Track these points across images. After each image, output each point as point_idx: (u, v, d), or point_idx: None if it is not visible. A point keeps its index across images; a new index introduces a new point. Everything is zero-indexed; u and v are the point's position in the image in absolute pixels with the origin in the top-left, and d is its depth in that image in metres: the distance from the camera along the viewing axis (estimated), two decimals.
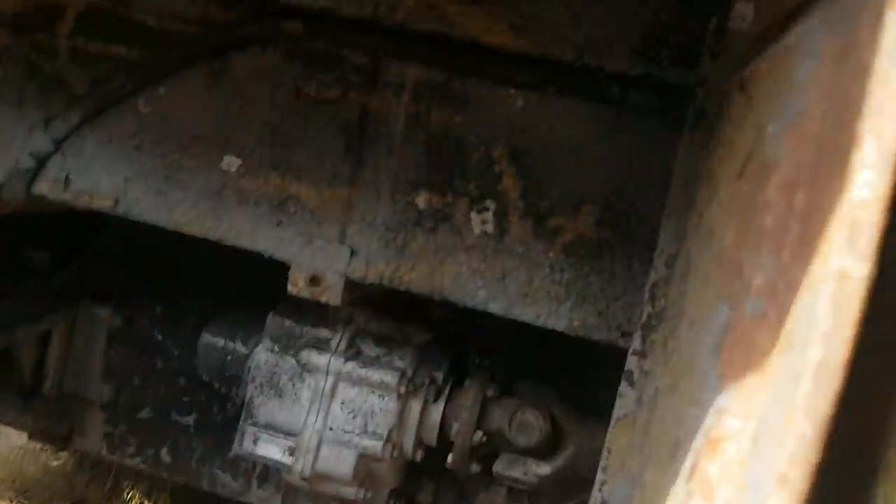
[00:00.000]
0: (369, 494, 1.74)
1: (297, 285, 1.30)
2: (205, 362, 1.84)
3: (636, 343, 1.03)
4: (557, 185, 1.18)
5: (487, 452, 1.77)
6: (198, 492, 3.90)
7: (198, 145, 1.28)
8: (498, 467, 1.74)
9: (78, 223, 2.22)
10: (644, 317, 1.02)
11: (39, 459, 4.38)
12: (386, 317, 1.72)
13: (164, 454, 2.18)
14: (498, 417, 1.72)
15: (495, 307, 1.24)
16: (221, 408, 2.12)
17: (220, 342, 1.82)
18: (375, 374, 1.65)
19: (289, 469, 1.66)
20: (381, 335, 1.70)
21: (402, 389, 1.64)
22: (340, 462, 1.65)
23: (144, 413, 2.16)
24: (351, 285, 1.30)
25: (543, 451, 1.73)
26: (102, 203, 1.32)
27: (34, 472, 4.26)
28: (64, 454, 4.07)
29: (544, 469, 1.71)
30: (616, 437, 1.03)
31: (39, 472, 4.26)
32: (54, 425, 2.14)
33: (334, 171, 1.26)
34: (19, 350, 1.96)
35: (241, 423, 1.70)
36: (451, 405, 1.73)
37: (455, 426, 1.71)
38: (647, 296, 1.02)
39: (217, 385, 2.08)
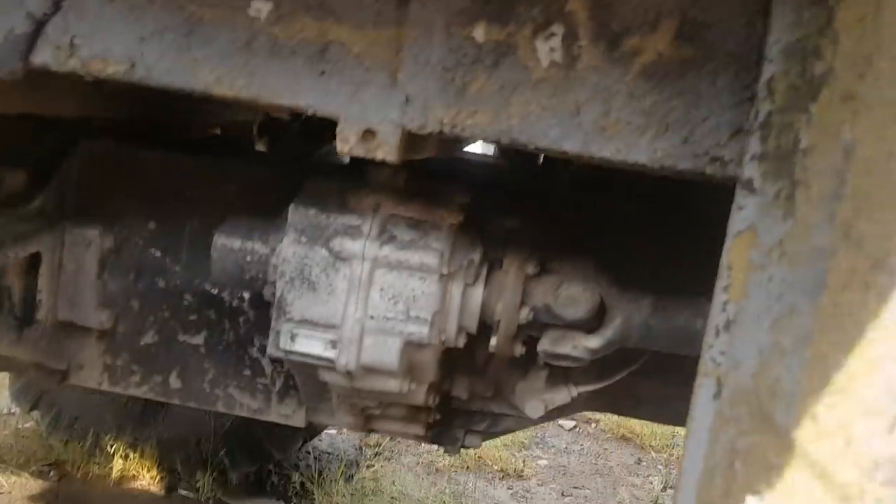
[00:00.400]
0: (413, 387, 1.65)
1: (347, 143, 1.18)
2: (221, 267, 1.70)
3: (754, 147, 0.95)
4: (629, 0, 1.08)
5: (530, 335, 1.70)
6: (184, 438, 3.79)
7: None
8: (544, 345, 1.67)
9: (48, 141, 2.04)
10: (761, 117, 0.94)
11: (9, 424, 4.19)
12: (413, 200, 1.62)
13: (174, 380, 2.06)
14: (542, 293, 1.64)
15: (570, 146, 1.14)
16: (233, 323, 2.00)
17: (237, 243, 1.69)
18: (415, 256, 1.55)
19: (331, 364, 1.56)
20: (413, 219, 1.60)
21: (444, 270, 1.55)
22: (386, 351, 1.55)
23: (148, 338, 2.03)
24: (407, 137, 1.18)
25: (591, 325, 1.66)
26: (117, 69, 1.17)
27: (6, 437, 4.07)
28: (35, 413, 3.88)
29: (594, 342, 1.65)
30: (736, 253, 0.95)
31: (11, 438, 4.08)
32: (51, 359, 1.99)
33: (379, 8, 1.14)
34: (6, 276, 1.80)
35: (273, 323, 1.58)
36: (490, 287, 1.65)
37: (499, 306, 1.63)
38: (762, 93, 0.94)
39: (233, 293, 1.96)
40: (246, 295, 1.98)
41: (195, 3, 1.16)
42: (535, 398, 1.77)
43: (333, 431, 4.45)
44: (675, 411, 2.13)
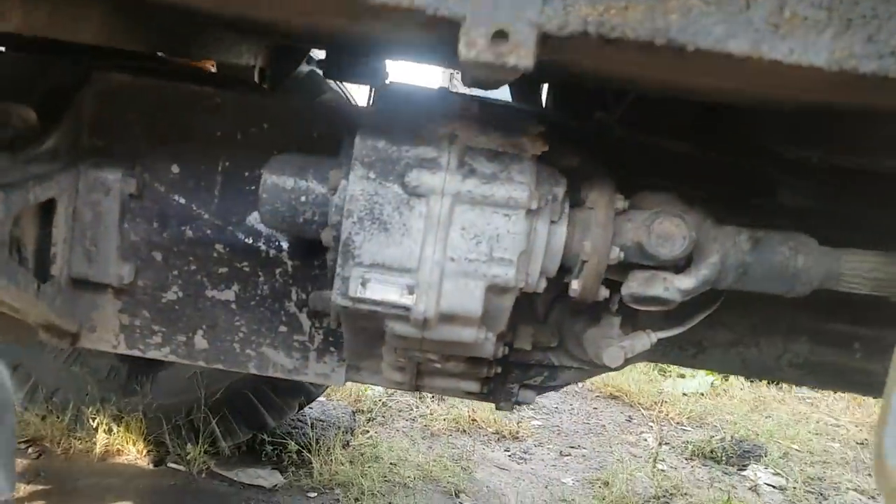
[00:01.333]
0: (490, 336, 1.50)
1: (474, 47, 1.01)
2: (271, 209, 1.52)
3: None
4: None
5: (614, 279, 1.56)
6: (173, 407, 3.58)
7: None
8: (631, 288, 1.53)
9: (57, 74, 1.81)
10: None
11: None
12: (493, 129, 1.45)
13: (199, 339, 1.87)
14: (633, 231, 1.50)
15: (736, 46, 0.99)
16: (268, 276, 1.81)
17: (290, 182, 1.51)
18: (500, 190, 1.39)
19: (405, 312, 1.39)
20: (492, 151, 1.44)
21: (532, 205, 1.40)
22: (467, 296, 1.40)
23: (171, 294, 1.83)
24: (545, 39, 1.02)
25: (682, 264, 1.53)
26: None
27: None
28: None
29: (688, 282, 1.51)
30: None
31: None
32: (63, 318, 1.78)
33: None
34: (18, 226, 1.58)
35: (339, 269, 1.41)
36: (574, 225, 1.51)
37: (586, 245, 1.49)
38: None
39: (270, 241, 1.77)
40: (284, 244, 1.79)
41: None
42: (612, 346, 1.63)
43: (324, 399, 4.28)
44: (739, 358, 2.04)
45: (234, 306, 1.84)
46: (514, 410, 1.99)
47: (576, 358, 1.84)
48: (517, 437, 4.44)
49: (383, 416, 4.41)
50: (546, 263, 1.48)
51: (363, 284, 1.39)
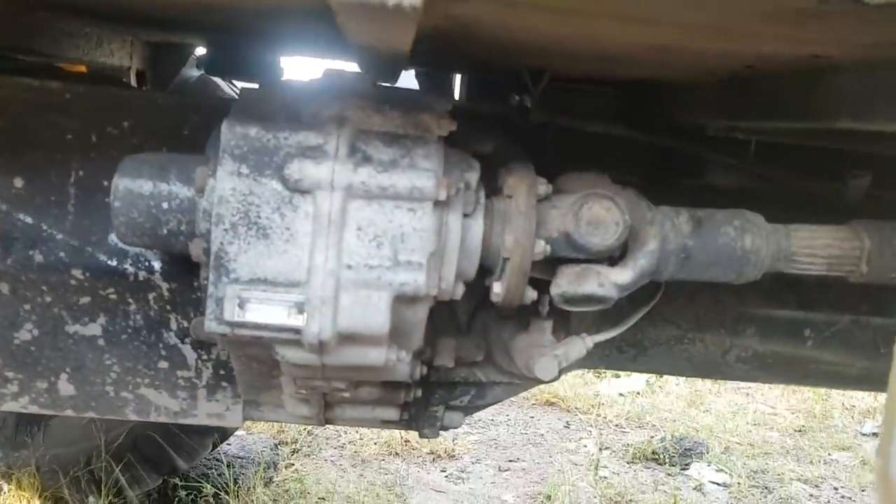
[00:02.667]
0: (403, 356, 1.26)
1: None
2: (126, 220, 1.25)
3: None
4: None
5: (538, 279, 1.35)
6: (69, 457, 3.22)
7: None
8: (561, 286, 1.32)
9: None
10: None
11: None
12: (390, 108, 1.22)
13: (64, 384, 1.58)
14: (559, 219, 1.29)
15: None
16: (140, 303, 1.54)
17: (147, 186, 1.25)
18: (402, 179, 1.16)
19: (296, 335, 1.15)
20: (390, 133, 1.21)
21: (441, 195, 1.17)
22: (370, 310, 1.16)
23: (25, 333, 1.54)
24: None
25: (617, 255, 1.33)
26: None
27: None
28: None
29: (625, 275, 1.31)
30: None
31: None
32: None
33: None
34: None
35: (211, 287, 1.15)
36: (491, 218, 1.29)
37: (507, 240, 1.27)
38: None
39: (138, 262, 1.50)
40: (156, 263, 1.52)
41: None
42: (545, 355, 1.41)
43: (243, 432, 3.96)
44: (684, 356, 1.85)
45: (101, 342, 1.56)
46: (440, 435, 1.75)
47: (505, 371, 1.62)
48: (453, 456, 4.21)
49: (309, 446, 4.11)
50: (462, 264, 1.26)
51: (241, 305, 1.14)
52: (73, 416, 1.63)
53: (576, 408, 5.03)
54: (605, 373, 5.56)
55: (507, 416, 4.87)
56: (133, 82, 2.48)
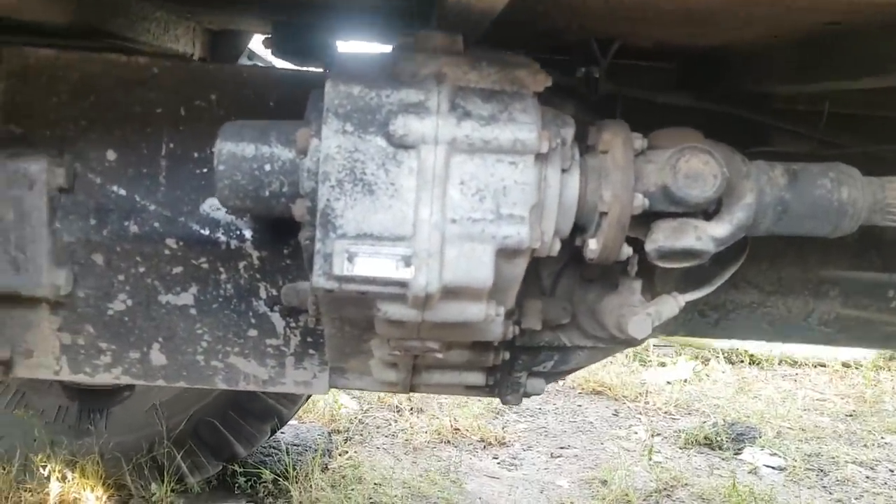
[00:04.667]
0: (500, 312, 1.27)
1: None
2: (230, 183, 1.28)
3: None
4: None
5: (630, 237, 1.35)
6: (132, 445, 3.28)
7: None
8: (658, 241, 1.32)
9: None
10: None
11: None
12: (486, 65, 1.24)
13: (156, 354, 1.61)
14: (656, 173, 1.29)
15: None
16: (231, 271, 1.56)
17: (250, 149, 1.27)
18: (504, 132, 1.17)
19: (403, 289, 1.16)
20: (487, 90, 1.22)
21: (544, 148, 1.18)
22: (474, 262, 1.17)
23: (118, 303, 1.57)
24: None
25: (713, 209, 1.33)
26: None
27: None
28: None
29: (723, 228, 1.31)
30: None
31: None
32: None
33: None
34: None
35: (318, 244, 1.17)
36: (586, 174, 1.30)
37: (606, 194, 1.27)
38: None
39: (229, 231, 1.52)
40: (247, 232, 1.55)
41: None
42: (637, 314, 1.41)
43: (296, 422, 3.99)
44: (766, 320, 1.84)
45: (193, 312, 1.58)
46: (521, 402, 1.76)
47: (590, 335, 1.62)
48: (504, 443, 4.21)
49: (361, 435, 4.14)
50: (560, 220, 1.27)
51: (350, 259, 1.15)
52: (163, 385, 1.66)
53: (623, 396, 5.01)
54: (650, 361, 5.54)
55: (555, 404, 4.86)
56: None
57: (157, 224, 1.52)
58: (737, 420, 4.63)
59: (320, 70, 1.92)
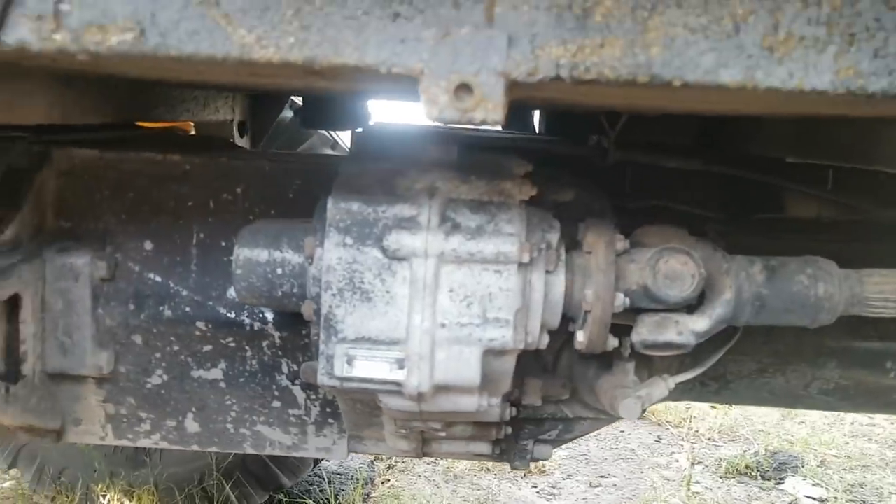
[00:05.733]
0: (493, 401, 1.38)
1: (436, 104, 0.90)
2: (246, 285, 1.41)
3: None
4: None
5: (621, 324, 1.44)
6: (184, 476, 3.47)
7: None
8: (642, 334, 1.41)
9: (12, 156, 1.72)
10: None
11: None
12: (475, 177, 1.35)
13: (191, 423, 1.76)
14: (637, 273, 1.38)
15: (728, 76, 0.88)
16: (255, 350, 1.70)
17: (263, 254, 1.41)
18: (488, 245, 1.28)
19: (397, 388, 1.28)
20: (476, 200, 1.33)
21: (525, 258, 1.28)
22: (463, 364, 1.28)
23: (156, 378, 1.72)
24: (515, 88, 0.91)
25: (694, 304, 1.41)
26: (122, 38, 0.88)
27: None
28: (15, 471, 3.55)
29: (702, 323, 1.39)
30: None
31: None
32: (43, 418, 1.67)
33: None
34: None
35: (322, 346, 1.29)
36: (573, 272, 1.39)
37: (588, 293, 1.37)
38: None
39: (253, 314, 1.67)
40: (269, 315, 1.69)
41: None
42: (628, 397, 1.50)
43: None
44: (766, 388, 1.91)
45: (222, 385, 1.73)
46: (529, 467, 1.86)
47: (590, 407, 1.72)
48: (544, 472, 4.30)
49: (403, 463, 4.27)
50: (546, 317, 1.37)
51: (349, 363, 1.28)
52: (198, 450, 1.81)
53: (667, 421, 5.04)
54: None
55: (598, 431, 4.91)
56: (235, 131, 2.68)
57: (188, 308, 1.67)
58: (780, 448, 4.62)
59: (341, 154, 2.06)
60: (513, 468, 1.83)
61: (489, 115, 0.90)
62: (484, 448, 1.72)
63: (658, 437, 4.87)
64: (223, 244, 1.67)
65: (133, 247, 1.67)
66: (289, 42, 0.89)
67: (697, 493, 4.09)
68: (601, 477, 4.29)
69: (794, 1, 0.86)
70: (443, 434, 1.58)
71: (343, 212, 1.31)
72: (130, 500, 3.51)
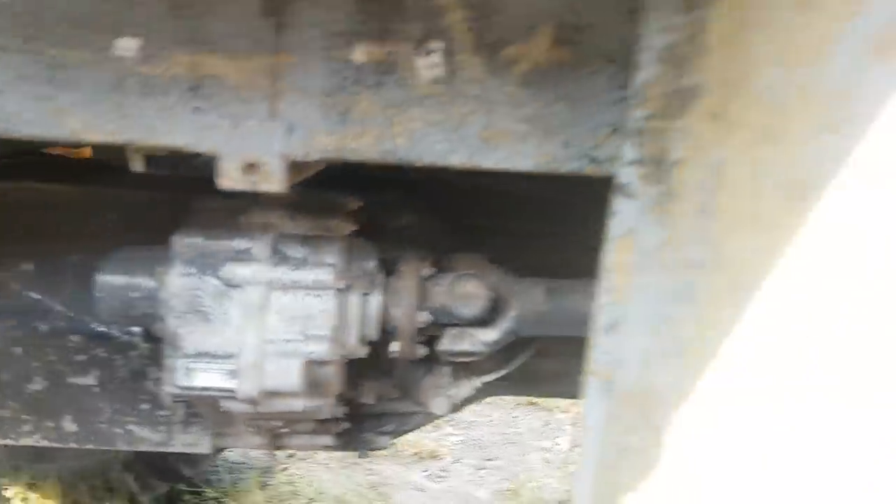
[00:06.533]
0: (319, 403, 1.64)
1: (230, 177, 1.15)
2: (107, 307, 1.64)
3: (629, 154, 0.98)
4: (506, 8, 1.09)
5: (431, 335, 1.72)
6: (87, 471, 3.63)
7: (82, 31, 1.08)
8: (444, 344, 1.70)
9: None
10: (635, 122, 0.98)
11: None
12: (304, 216, 1.60)
13: (68, 423, 1.97)
14: (438, 294, 1.66)
15: (456, 159, 1.15)
16: (125, 359, 1.92)
17: (121, 280, 1.63)
18: (308, 275, 1.53)
19: (231, 394, 1.53)
20: (304, 235, 1.58)
21: (340, 284, 1.54)
22: (287, 374, 1.54)
23: (36, 384, 1.93)
24: (292, 166, 1.16)
25: (487, 319, 1.70)
26: None
27: None
28: None
29: (490, 335, 1.69)
30: (617, 256, 0.99)
31: None
32: None
33: (253, 36, 1.11)
34: None
35: (167, 360, 1.54)
36: (388, 294, 1.66)
37: (397, 312, 1.64)
38: (636, 98, 0.97)
39: (122, 328, 1.88)
40: (135, 329, 1.91)
41: (55, 47, 1.10)
42: (439, 395, 1.80)
43: None
44: (574, 385, 2.21)
45: (96, 389, 1.94)
46: (376, 451, 2.13)
47: (419, 404, 1.99)
48: (436, 456, 4.59)
49: (303, 451, 4.51)
50: (364, 331, 1.63)
51: (188, 374, 1.52)
52: (76, 447, 2.02)
53: (556, 407, 5.38)
54: None
55: (490, 416, 5.24)
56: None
57: (62, 323, 1.88)
58: None
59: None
60: (359, 456, 2.10)
61: (273, 186, 1.16)
62: (328, 440, 1.97)
63: (546, 422, 5.21)
64: (95, 267, 1.88)
65: (16, 267, 1.87)
66: (110, 128, 1.13)
67: (574, 473, 4.44)
68: (488, 460, 4.61)
69: (503, 104, 1.13)
70: (287, 430, 1.83)
71: (187, 245, 1.55)
72: (34, 492, 3.66)
